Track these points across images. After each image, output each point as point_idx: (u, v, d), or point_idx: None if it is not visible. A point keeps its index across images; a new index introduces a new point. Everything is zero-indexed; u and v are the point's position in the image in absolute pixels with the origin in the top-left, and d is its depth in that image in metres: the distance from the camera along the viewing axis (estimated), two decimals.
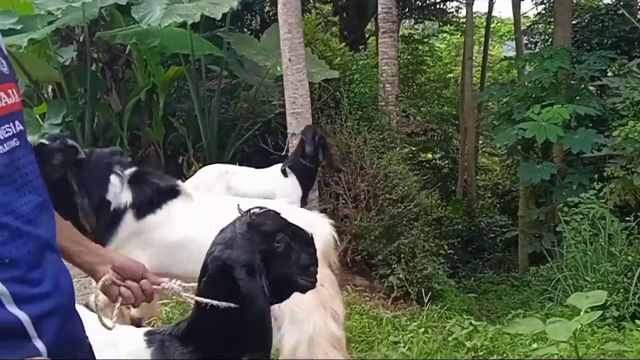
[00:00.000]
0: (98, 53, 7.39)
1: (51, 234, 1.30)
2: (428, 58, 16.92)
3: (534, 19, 14.00)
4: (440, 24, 16.62)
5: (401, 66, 11.50)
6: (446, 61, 18.59)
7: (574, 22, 9.78)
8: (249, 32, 10.75)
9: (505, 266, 9.90)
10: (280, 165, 5.52)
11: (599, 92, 9.35)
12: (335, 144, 6.43)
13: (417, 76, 16.47)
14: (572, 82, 8.74)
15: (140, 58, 7.27)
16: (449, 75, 18.01)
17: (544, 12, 12.73)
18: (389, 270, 5.78)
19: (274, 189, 5.28)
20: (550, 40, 10.95)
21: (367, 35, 14.19)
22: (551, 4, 11.23)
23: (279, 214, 1.70)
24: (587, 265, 5.62)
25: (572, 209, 6.41)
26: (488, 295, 7.84)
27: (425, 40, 17.05)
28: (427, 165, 14.60)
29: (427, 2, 15.18)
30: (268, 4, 10.85)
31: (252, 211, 1.65)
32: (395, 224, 6.02)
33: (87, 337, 1.40)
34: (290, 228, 1.68)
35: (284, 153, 6.18)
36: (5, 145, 1.21)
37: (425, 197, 6.66)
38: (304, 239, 1.71)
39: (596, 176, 7.32)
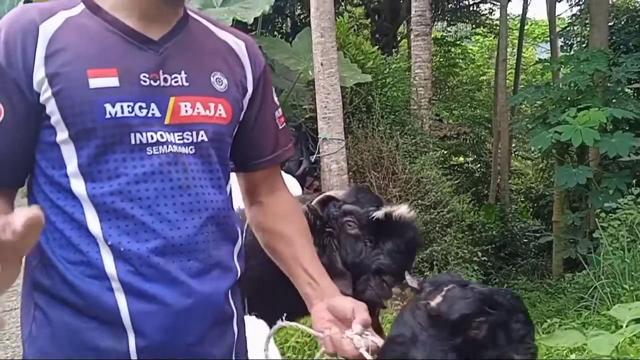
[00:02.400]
0: None
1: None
2: (461, 60, 16.79)
3: (569, 20, 13.79)
4: (473, 26, 16.48)
5: (433, 69, 11.40)
6: (479, 63, 18.40)
7: (610, 23, 9.60)
8: (280, 36, 10.78)
9: (539, 272, 9.74)
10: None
11: (636, 94, 9.16)
12: (367, 149, 6.41)
13: (449, 79, 16.35)
14: (608, 84, 8.57)
15: None
16: (482, 77, 17.82)
17: (579, 13, 12.53)
18: (422, 278, 5.71)
19: None
20: (585, 42, 10.77)
21: (399, 38, 14.14)
22: (587, 6, 11.05)
23: (468, 287, 1.34)
24: (625, 273, 5.47)
25: (609, 214, 6.26)
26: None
27: (458, 42, 16.92)
28: (459, 169, 14.44)
29: (460, 4, 15.06)
30: (299, 7, 10.86)
31: (430, 300, 1.30)
32: (428, 230, 5.96)
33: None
34: (487, 302, 1.31)
35: (314, 158, 6.17)
36: (177, 148, 1.25)
37: (457, 203, 6.59)
38: (509, 306, 1.34)
39: (634, 181, 7.15)
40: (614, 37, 9.60)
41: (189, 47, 1.31)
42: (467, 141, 14.57)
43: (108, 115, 1.18)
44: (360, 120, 6.69)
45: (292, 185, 5.10)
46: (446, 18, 15.77)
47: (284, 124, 1.50)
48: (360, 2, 14.28)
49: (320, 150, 5.98)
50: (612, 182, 7.70)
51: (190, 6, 1.39)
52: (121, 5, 1.25)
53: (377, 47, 8.13)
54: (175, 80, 1.26)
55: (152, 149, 1.22)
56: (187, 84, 1.27)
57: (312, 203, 2.30)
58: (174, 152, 1.24)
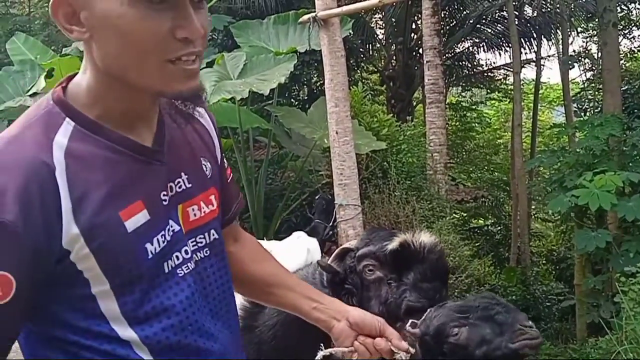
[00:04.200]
0: None
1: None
2: (476, 124, 16.94)
3: (582, 85, 13.92)
4: (488, 91, 16.69)
5: (449, 133, 11.53)
6: (495, 127, 18.54)
7: (623, 88, 9.69)
8: (296, 103, 11.01)
9: (562, 337, 9.52)
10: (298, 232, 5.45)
11: None
12: (384, 214, 6.44)
13: (466, 143, 16.46)
14: (624, 148, 8.58)
15: None
16: (499, 140, 17.92)
17: (592, 78, 12.67)
18: None
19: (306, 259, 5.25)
20: (599, 106, 10.84)
21: (414, 103, 14.35)
22: (599, 72, 11.17)
23: (444, 306, 1.46)
24: None
25: (630, 278, 6.18)
26: None
27: (474, 107, 17.10)
28: (478, 231, 14.36)
29: (475, 70, 15.31)
30: (315, 75, 11.12)
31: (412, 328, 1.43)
32: (448, 295, 5.91)
33: None
34: (459, 310, 1.42)
35: (331, 224, 6.21)
36: (197, 256, 1.21)
37: (478, 266, 6.55)
38: (484, 304, 1.42)
39: None
40: (627, 102, 9.67)
41: (177, 141, 1.23)
42: (486, 204, 14.55)
43: (150, 256, 1.10)
44: (377, 185, 6.75)
45: (314, 248, 5.16)
46: (461, 84, 16.01)
47: (231, 174, 1.46)
48: (375, 70, 14.59)
49: (337, 216, 6.03)
50: (632, 245, 7.60)
51: None
52: (110, 112, 1.10)
53: (392, 112, 8.27)
54: (179, 185, 1.19)
55: (182, 270, 1.16)
56: (189, 186, 1.21)
57: (329, 259, 2.11)
58: (196, 260, 1.20)
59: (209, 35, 10.06)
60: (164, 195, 1.15)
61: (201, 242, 1.22)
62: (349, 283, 2.05)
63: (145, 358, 1.11)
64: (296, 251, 4.36)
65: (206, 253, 1.23)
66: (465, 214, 12.75)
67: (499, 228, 14.69)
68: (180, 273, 1.15)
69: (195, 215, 1.21)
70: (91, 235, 1.02)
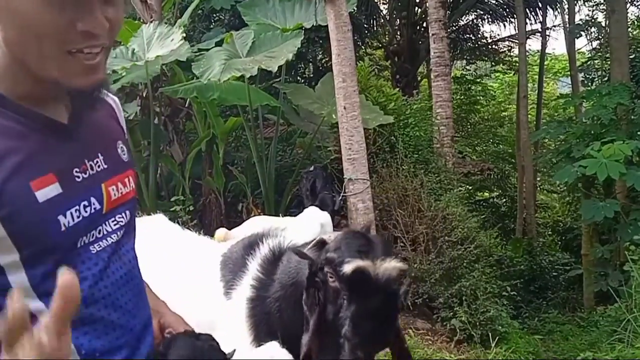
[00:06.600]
0: (160, 107, 7.68)
1: (147, 318, 1.34)
2: (481, 98, 16.90)
3: (589, 55, 13.86)
4: (493, 63, 16.63)
5: (454, 107, 11.52)
6: (500, 100, 18.50)
7: (631, 56, 9.65)
8: (303, 80, 11.01)
9: (570, 305, 9.62)
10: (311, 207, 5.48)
11: None
12: (392, 188, 6.49)
13: (471, 116, 16.45)
14: (632, 117, 8.58)
15: (200, 110, 7.53)
16: (504, 113, 17.89)
17: (599, 47, 12.60)
18: (451, 313, 5.73)
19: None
20: (607, 76, 10.81)
21: (419, 78, 14.32)
22: (606, 40, 11.12)
23: None
24: None
25: (639, 247, 6.25)
26: (554, 335, 7.62)
27: (478, 80, 17.06)
28: (484, 204, 14.42)
29: (479, 43, 15.24)
30: (320, 53, 11.10)
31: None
32: (456, 266, 5.99)
33: None
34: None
35: (340, 198, 6.26)
36: (113, 236, 1.22)
37: (484, 237, 6.61)
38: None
39: None
40: (635, 70, 9.64)
41: (94, 122, 1.23)
42: (492, 177, 14.60)
43: (63, 228, 1.10)
44: (385, 160, 6.80)
45: (327, 222, 5.22)
46: (465, 57, 15.95)
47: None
48: (380, 45, 14.54)
49: (346, 190, 6.08)
50: None
51: None
52: (19, 89, 1.09)
53: (397, 87, 8.28)
54: (98, 165, 1.20)
55: (96, 246, 1.18)
56: (106, 166, 1.22)
57: (308, 248, 2.06)
58: (116, 240, 1.23)
59: (216, 16, 10.06)
60: (77, 172, 1.15)
61: (121, 221, 1.24)
62: (318, 277, 2.01)
63: None
64: (310, 226, 4.42)
65: (124, 232, 1.26)
66: (471, 187, 12.80)
67: (504, 200, 14.76)
68: (93, 250, 1.16)
69: (114, 195, 1.23)
70: (0, 203, 1.02)
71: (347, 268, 1.84)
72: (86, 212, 1.14)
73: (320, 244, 2.02)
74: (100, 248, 1.18)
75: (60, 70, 1.04)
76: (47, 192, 1.08)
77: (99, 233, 1.18)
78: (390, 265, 1.84)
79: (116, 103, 1.35)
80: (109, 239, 1.21)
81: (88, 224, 1.15)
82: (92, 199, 1.16)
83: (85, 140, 1.19)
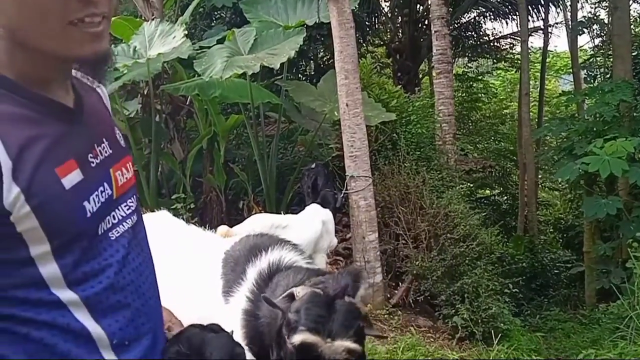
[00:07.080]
0: (161, 105, 7.67)
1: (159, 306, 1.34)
2: (483, 95, 16.89)
3: (591, 52, 13.82)
4: (494, 61, 16.61)
5: (456, 104, 11.51)
6: (501, 97, 18.49)
7: (633, 54, 9.62)
8: (304, 78, 11.01)
9: (571, 303, 9.61)
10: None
11: None
12: (394, 185, 6.48)
13: (472, 113, 16.46)
14: (634, 114, 8.56)
15: (202, 108, 7.52)
16: (505, 111, 17.88)
17: (601, 44, 12.56)
18: (453, 311, 5.73)
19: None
20: (609, 73, 10.78)
21: (420, 75, 14.30)
22: (609, 37, 11.09)
23: None
24: None
25: None
26: (555, 333, 7.62)
27: (480, 77, 17.04)
28: (486, 201, 14.41)
29: (481, 40, 15.22)
30: (322, 50, 11.09)
31: None
32: (458, 263, 5.99)
33: None
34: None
35: (342, 195, 6.26)
36: (128, 221, 1.22)
37: (485, 235, 6.60)
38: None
39: None
40: (638, 67, 9.61)
41: (93, 107, 1.24)
42: (493, 174, 14.58)
43: (88, 214, 1.10)
44: (387, 157, 6.79)
45: (329, 219, 5.19)
46: (467, 54, 15.93)
47: None
48: (382, 43, 14.52)
49: (348, 188, 6.08)
50: None
51: None
52: (25, 74, 1.07)
53: (399, 85, 8.27)
54: (104, 150, 1.20)
55: (114, 233, 1.18)
56: (111, 151, 1.22)
57: (279, 298, 2.00)
58: (132, 225, 1.23)
59: (218, 14, 10.05)
60: (91, 157, 1.15)
61: (132, 206, 1.24)
62: (269, 326, 2.03)
63: (86, 323, 1.09)
64: (312, 224, 4.41)
65: (137, 218, 1.26)
66: (472, 185, 12.79)
67: (506, 198, 14.75)
68: (112, 237, 1.16)
69: (121, 180, 1.22)
70: (31, 193, 1.00)
71: (296, 339, 1.79)
72: (102, 197, 1.14)
73: (290, 298, 1.95)
74: (119, 234, 1.18)
75: (64, 42, 1.03)
76: (71, 178, 1.08)
77: (114, 219, 1.18)
78: (340, 346, 1.76)
79: (103, 91, 1.34)
80: (124, 224, 1.21)
81: (105, 209, 1.15)
82: (105, 185, 1.16)
83: (91, 125, 1.19)
